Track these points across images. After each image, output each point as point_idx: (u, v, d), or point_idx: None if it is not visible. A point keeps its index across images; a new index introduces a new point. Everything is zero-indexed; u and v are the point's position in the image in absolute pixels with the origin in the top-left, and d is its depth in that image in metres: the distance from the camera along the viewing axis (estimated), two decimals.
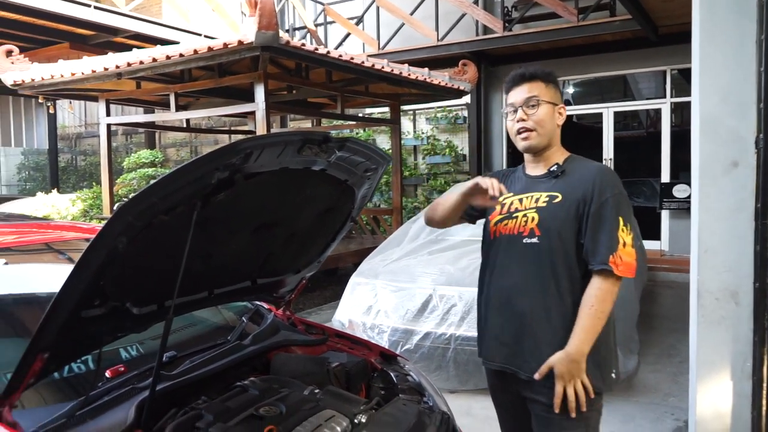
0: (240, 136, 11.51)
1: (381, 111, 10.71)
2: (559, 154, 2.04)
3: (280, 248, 2.45)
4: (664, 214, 8.70)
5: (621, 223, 1.88)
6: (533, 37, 8.53)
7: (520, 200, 2.03)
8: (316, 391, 2.28)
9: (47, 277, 2.71)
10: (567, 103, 9.94)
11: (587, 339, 1.84)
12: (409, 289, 4.15)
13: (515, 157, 9.91)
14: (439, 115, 10.44)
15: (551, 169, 2.00)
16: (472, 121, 9.88)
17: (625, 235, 1.87)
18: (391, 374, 2.53)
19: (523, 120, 1.98)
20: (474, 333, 3.80)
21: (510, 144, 9.88)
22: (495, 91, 9.88)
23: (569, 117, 10.52)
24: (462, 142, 10.37)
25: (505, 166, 9.86)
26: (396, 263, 4.59)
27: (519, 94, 2.01)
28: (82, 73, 6.13)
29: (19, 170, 16.61)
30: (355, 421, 2.10)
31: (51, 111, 11.05)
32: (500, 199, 2.02)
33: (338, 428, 2.00)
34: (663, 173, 8.87)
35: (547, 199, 1.96)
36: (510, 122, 2.03)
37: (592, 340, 1.84)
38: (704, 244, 2.79)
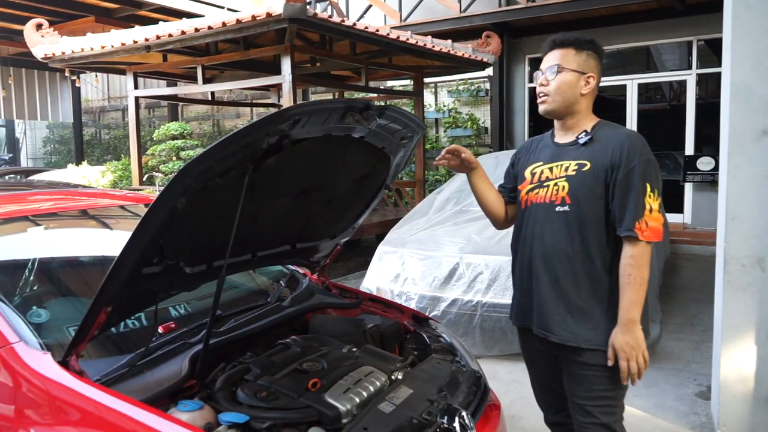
0: (262, 110, 11.61)
1: (402, 84, 10.71)
2: (586, 121, 2.08)
3: (318, 213, 2.55)
4: (688, 187, 8.67)
5: (648, 189, 1.92)
6: (557, 8, 8.43)
7: (550, 169, 2.08)
8: (354, 349, 2.40)
9: (93, 241, 2.85)
10: None
11: (633, 308, 1.90)
12: (436, 258, 4.25)
13: (537, 129, 9.89)
14: (461, 87, 10.42)
15: (579, 137, 2.04)
16: (494, 93, 9.85)
17: (651, 201, 1.92)
18: (424, 335, 2.64)
19: (543, 85, 2.05)
20: (499, 300, 3.91)
21: (532, 116, 9.87)
22: (517, 63, 9.82)
23: None
24: (484, 115, 10.35)
25: (527, 138, 9.85)
26: (423, 232, 4.67)
27: (546, 60, 2.07)
28: (112, 46, 6.23)
29: (45, 143, 16.88)
30: (392, 377, 2.21)
31: (77, 85, 11.17)
32: (530, 168, 2.12)
33: (377, 383, 2.11)
34: (687, 146, 8.80)
35: (576, 167, 2.01)
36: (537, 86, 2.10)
37: (640, 306, 1.91)
38: (732, 211, 2.84)
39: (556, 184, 2.04)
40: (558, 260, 2.03)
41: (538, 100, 2.09)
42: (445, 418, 1.96)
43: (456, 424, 1.95)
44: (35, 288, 2.33)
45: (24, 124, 17.01)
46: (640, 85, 9.21)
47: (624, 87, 9.23)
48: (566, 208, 2.01)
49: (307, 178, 2.26)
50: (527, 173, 2.16)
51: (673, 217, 8.39)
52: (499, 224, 2.37)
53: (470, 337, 3.98)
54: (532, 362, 2.29)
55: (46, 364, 1.82)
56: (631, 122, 9.16)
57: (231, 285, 2.81)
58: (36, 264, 2.44)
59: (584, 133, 2.05)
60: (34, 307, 2.15)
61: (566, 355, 2.05)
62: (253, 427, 1.82)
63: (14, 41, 10.67)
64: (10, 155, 15.93)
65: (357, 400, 1.98)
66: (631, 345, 1.89)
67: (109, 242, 2.81)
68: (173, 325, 2.23)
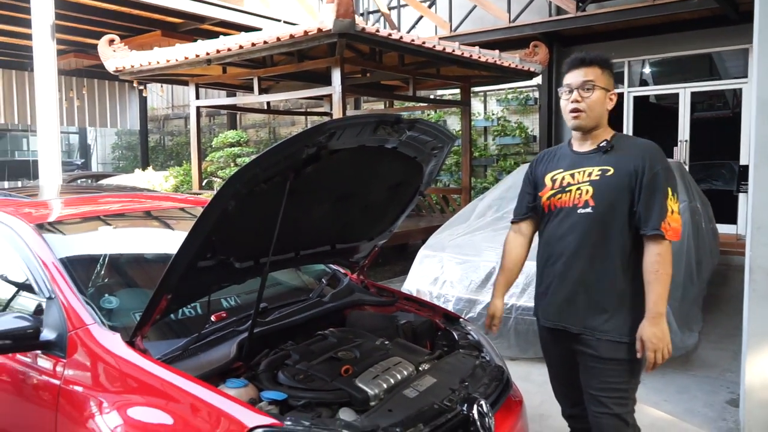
0: (316, 118, 12.01)
1: (452, 93, 10.88)
2: (605, 133, 2.25)
3: (356, 217, 2.79)
4: (742, 197, 8.48)
5: (670, 193, 2.10)
6: (607, 17, 8.45)
7: (572, 175, 2.25)
8: (386, 342, 2.62)
9: (156, 239, 3.18)
10: (643, 83, 9.78)
11: (661, 301, 2.07)
12: (474, 262, 4.42)
13: None
14: (509, 96, 10.51)
15: (600, 145, 2.21)
16: (543, 102, 9.90)
17: (672, 204, 2.09)
18: (453, 333, 2.83)
19: (577, 101, 2.20)
20: (533, 304, 4.05)
21: None
22: None
23: (645, 97, 10.33)
24: (532, 123, 10.41)
25: None
26: (462, 238, 4.85)
27: (576, 76, 2.22)
28: (176, 60, 6.69)
29: (113, 149, 17.86)
30: (420, 368, 2.42)
31: (144, 94, 11.86)
32: (550, 175, 2.30)
33: (405, 372, 2.33)
34: (742, 155, 8.62)
35: (600, 172, 2.18)
36: (564, 101, 2.26)
37: (666, 300, 2.08)
38: (757, 221, 2.91)
39: (578, 189, 2.20)
40: (580, 259, 2.20)
41: (572, 115, 2.23)
42: (465, 405, 2.15)
43: (474, 412, 2.14)
44: (106, 279, 2.65)
45: (95, 132, 18.05)
46: (693, 93, 9.08)
47: (677, 95, 9.13)
48: (589, 210, 2.18)
49: (343, 185, 2.49)
50: (547, 180, 2.33)
51: (725, 228, 8.23)
52: (528, 247, 2.57)
53: (505, 340, 4.13)
54: (552, 358, 2.45)
55: (116, 343, 2.12)
56: (684, 131, 9.05)
57: (277, 281, 3.07)
58: (107, 258, 2.77)
59: (605, 142, 2.22)
60: (106, 295, 2.46)
61: (584, 348, 2.21)
62: (290, 404, 2.07)
63: (89, 54, 11.44)
64: (83, 160, 16.94)
65: (384, 385, 2.21)
66: (658, 337, 2.05)
67: (170, 240, 3.12)
68: (224, 315, 2.50)
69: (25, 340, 2.16)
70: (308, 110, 11.65)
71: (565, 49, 9.75)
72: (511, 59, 7.67)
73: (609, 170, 2.17)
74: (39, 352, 2.23)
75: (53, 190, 4.14)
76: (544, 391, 3.69)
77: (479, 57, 7.15)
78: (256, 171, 1.97)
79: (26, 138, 18.89)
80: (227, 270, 2.35)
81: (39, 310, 2.35)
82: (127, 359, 2.07)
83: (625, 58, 9.37)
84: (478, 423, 2.12)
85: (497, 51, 7.61)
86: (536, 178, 2.40)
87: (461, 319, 3.04)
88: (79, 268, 2.53)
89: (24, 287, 2.54)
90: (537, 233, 2.47)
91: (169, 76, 8.01)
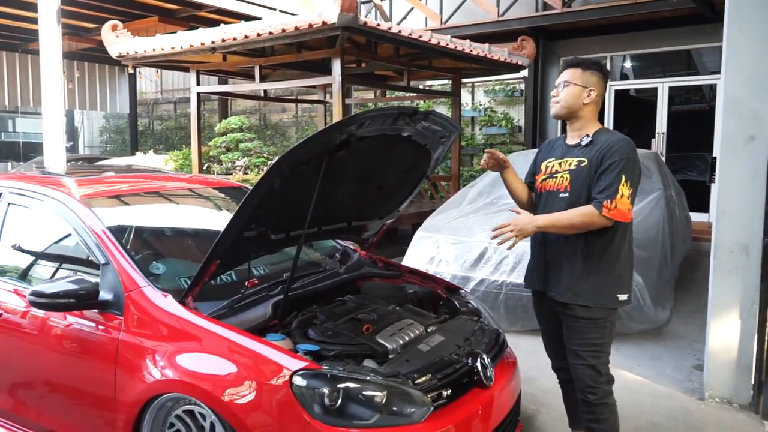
0: (307, 105, 12.27)
1: (441, 83, 11.22)
2: (591, 126, 2.63)
3: (370, 198, 3.14)
4: (714, 187, 8.95)
5: (623, 179, 2.43)
6: (592, 14, 8.83)
7: (559, 164, 2.66)
8: (397, 308, 2.98)
9: (192, 215, 3.50)
10: (624, 77, 10.20)
11: (547, 222, 2.50)
12: (468, 242, 4.79)
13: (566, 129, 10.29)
14: (497, 88, 10.88)
15: (582, 140, 2.60)
16: (528, 94, 10.28)
17: (624, 189, 2.43)
18: (455, 301, 3.21)
19: (554, 96, 2.67)
20: (522, 281, 4.44)
21: None
22: (552, 65, 10.23)
23: (626, 91, 10.65)
24: (518, 114, 10.80)
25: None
26: (456, 221, 5.22)
27: (561, 76, 2.69)
28: (180, 47, 6.92)
29: (101, 133, 17.90)
30: (428, 329, 2.79)
31: (140, 79, 11.99)
32: (545, 162, 2.71)
33: (416, 331, 2.71)
34: (715, 148, 9.09)
35: (576, 163, 2.58)
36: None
37: (548, 223, 2.50)
38: (722, 205, 3.32)
39: (561, 176, 2.60)
40: (557, 235, 2.58)
41: (551, 105, 2.71)
42: (469, 359, 2.53)
43: (477, 364, 2.51)
44: (149, 248, 2.98)
45: (82, 114, 18.07)
46: (671, 88, 9.53)
47: (655, 89, 9.57)
48: (566, 194, 2.58)
49: (364, 168, 2.84)
50: (543, 166, 2.73)
51: (698, 216, 8.70)
52: (524, 208, 2.93)
53: (495, 313, 4.51)
54: (541, 318, 2.84)
55: (169, 303, 2.45)
56: (661, 124, 9.50)
57: (292, 256, 3.38)
58: (149, 230, 3.09)
59: (586, 137, 2.61)
60: (153, 262, 2.78)
61: (564, 310, 2.60)
62: (322, 355, 2.42)
63: (81, 37, 11.54)
64: (71, 143, 16.95)
65: (400, 341, 2.58)
66: (520, 224, 2.47)
67: (202, 216, 3.45)
68: (256, 281, 2.83)
69: (86, 299, 2.49)
70: (302, 98, 11.91)
71: (550, 43, 10.14)
72: (500, 53, 8.02)
73: (584, 161, 2.56)
74: (97, 311, 2.55)
75: (84, 171, 4.42)
76: (531, 358, 4.10)
77: (471, 50, 7.49)
78: (298, 154, 2.31)
79: (12, 119, 18.83)
80: (264, 241, 2.69)
81: (94, 275, 2.66)
82: (181, 316, 2.41)
83: (608, 53, 9.79)
84: (481, 373, 2.50)
85: (487, 44, 7.96)
86: (537, 164, 2.80)
87: (461, 290, 3.42)
88: (133, 238, 2.85)
89: (77, 254, 2.85)
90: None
91: (171, 63, 8.22)
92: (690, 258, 7.13)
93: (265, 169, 8.42)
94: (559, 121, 10.29)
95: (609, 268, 2.54)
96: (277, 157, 2.25)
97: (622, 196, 2.42)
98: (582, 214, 2.45)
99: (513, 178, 2.86)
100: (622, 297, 2.56)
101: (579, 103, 2.60)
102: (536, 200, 2.77)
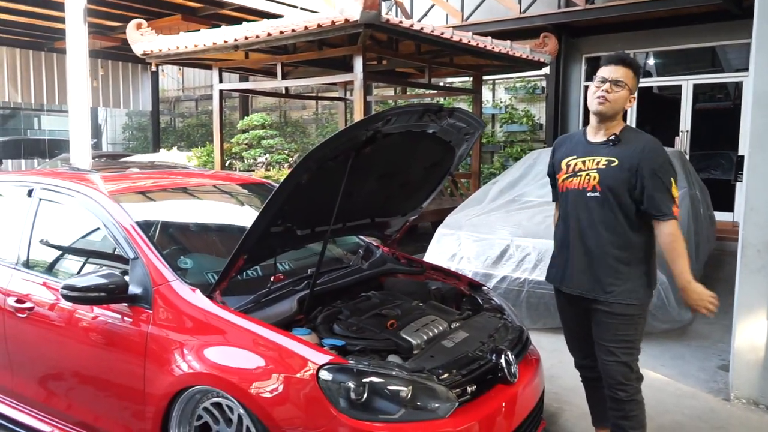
0: (326, 102, 12.33)
1: (461, 80, 11.18)
2: (617, 126, 2.61)
3: (394, 194, 3.15)
4: (739, 187, 8.83)
5: (673, 182, 2.48)
6: (616, 10, 8.74)
7: (583, 162, 2.62)
8: (421, 304, 2.99)
9: (217, 211, 3.54)
10: (647, 74, 10.08)
11: (685, 272, 2.47)
12: (489, 240, 4.79)
13: None
14: (517, 85, 10.82)
15: (610, 138, 2.57)
16: (550, 91, 10.21)
17: (674, 191, 2.49)
18: (477, 298, 3.21)
19: (607, 92, 2.53)
20: (545, 278, 4.42)
21: (585, 114, 10.19)
22: (574, 62, 10.15)
23: (649, 88, 10.53)
24: (539, 112, 10.73)
25: None
26: (478, 218, 5.22)
27: (613, 72, 2.54)
28: (204, 45, 6.99)
29: (124, 130, 18.14)
30: (451, 325, 2.79)
31: (162, 77, 12.12)
32: (565, 160, 2.68)
33: (440, 327, 2.72)
34: (741, 146, 8.96)
35: (606, 162, 2.55)
36: (595, 88, 2.58)
37: (688, 267, 2.47)
38: (750, 203, 3.28)
39: (587, 174, 2.58)
40: (592, 235, 2.57)
41: (597, 101, 2.55)
42: (493, 355, 2.54)
43: (502, 361, 2.52)
44: (177, 243, 3.02)
45: (105, 112, 18.32)
46: (696, 85, 9.40)
47: (679, 87, 9.45)
48: (597, 194, 2.55)
49: (389, 164, 2.85)
50: (563, 165, 2.70)
51: (723, 216, 8.59)
52: None
53: (517, 311, 4.47)
54: (568, 318, 2.83)
55: (198, 297, 2.49)
56: (685, 122, 9.38)
57: (315, 252, 3.39)
58: (176, 226, 3.14)
59: (614, 136, 2.57)
60: (181, 257, 2.82)
61: (598, 307, 2.59)
62: (347, 349, 2.44)
63: (106, 36, 11.70)
64: (95, 140, 17.19)
65: (424, 337, 2.59)
66: (696, 299, 2.46)
67: (229, 211, 3.49)
68: (282, 276, 2.86)
69: (116, 293, 2.53)
70: (319, 95, 11.96)
71: (573, 40, 10.05)
72: (522, 50, 7.98)
73: (614, 161, 2.53)
74: (126, 305, 2.59)
75: (109, 167, 4.49)
76: (553, 356, 4.09)
77: (492, 47, 7.46)
78: (326, 150, 2.33)
79: (38, 117, 19.15)
80: (290, 236, 2.72)
81: (122, 269, 2.71)
82: (209, 310, 2.44)
83: (631, 50, 9.66)
84: (505, 370, 2.50)
85: (509, 41, 7.92)
86: (555, 163, 2.77)
87: (484, 287, 3.42)
88: (160, 234, 2.89)
89: (106, 249, 2.91)
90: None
91: (194, 60, 8.31)
92: (714, 257, 7.05)
93: (288, 166, 8.54)
94: (582, 118, 10.23)
95: (645, 263, 2.56)
96: (304, 154, 2.26)
97: (675, 198, 2.48)
98: (676, 237, 2.47)
99: None
100: (653, 292, 2.59)
101: (623, 106, 2.57)
102: (560, 199, 2.75)
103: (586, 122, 10.50)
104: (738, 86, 9.19)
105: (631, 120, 9.69)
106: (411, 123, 2.60)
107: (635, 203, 2.50)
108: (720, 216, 8.10)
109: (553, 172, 2.81)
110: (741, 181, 8.48)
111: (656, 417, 3.27)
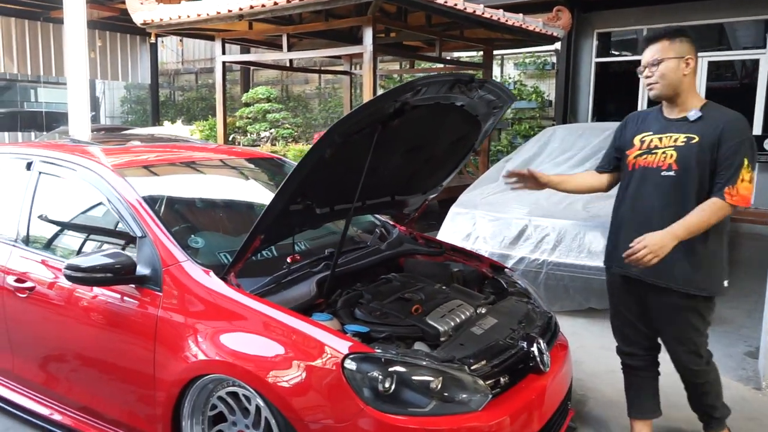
0: (330, 76, 12.05)
1: (469, 55, 10.91)
2: (694, 100, 2.42)
3: (417, 170, 2.97)
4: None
5: (746, 162, 2.27)
6: None
7: (660, 139, 2.45)
8: (444, 287, 2.83)
9: (229, 187, 3.36)
10: None
11: (683, 229, 2.25)
12: (506, 219, 4.62)
13: (600, 104, 9.98)
14: (527, 60, 10.56)
15: (689, 115, 2.39)
16: (560, 67, 9.95)
17: (745, 173, 2.27)
18: (501, 281, 3.05)
19: (648, 77, 2.41)
20: (564, 260, 4.27)
21: (596, 92, 9.95)
22: (586, 37, 9.87)
23: None
24: (548, 88, 10.49)
25: (590, 114, 9.97)
26: (493, 196, 5.04)
27: (646, 55, 2.43)
28: (207, 15, 6.73)
29: (122, 103, 17.82)
30: (478, 311, 2.64)
31: (162, 48, 11.83)
32: (639, 136, 2.50)
33: (467, 312, 2.56)
34: (755, 126, 8.76)
35: (685, 139, 2.37)
36: (642, 79, 2.46)
37: (687, 232, 2.26)
38: None
39: (664, 152, 2.41)
40: (663, 218, 2.36)
41: (647, 89, 2.45)
42: (525, 343, 2.38)
43: (534, 349, 2.36)
44: (187, 221, 2.84)
45: (103, 85, 17.97)
46: (710, 63, 9.16)
47: None
48: (672, 173, 2.38)
49: (414, 139, 2.67)
50: (636, 141, 2.53)
51: None
52: (603, 191, 2.78)
53: None
54: (620, 302, 2.67)
55: (211, 279, 2.32)
56: None
57: (332, 231, 3.23)
58: (185, 202, 2.96)
59: (694, 111, 2.38)
60: (192, 236, 2.65)
61: (665, 297, 2.44)
62: (372, 336, 2.28)
63: (104, 6, 11.37)
64: (93, 113, 16.90)
65: (452, 323, 2.43)
66: (658, 245, 2.21)
67: (239, 187, 3.31)
68: (298, 258, 2.69)
69: (122, 274, 2.36)
70: (327, 68, 11.68)
71: (585, 14, 9.76)
72: (535, 23, 7.73)
73: (694, 138, 2.35)
74: (134, 286, 2.42)
75: (111, 140, 4.30)
76: (575, 340, 3.92)
77: (506, 20, 7.21)
78: (351, 123, 2.15)
79: (35, 89, 18.80)
80: (309, 215, 2.54)
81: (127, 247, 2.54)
82: (224, 294, 2.28)
83: (644, 25, 9.40)
84: (538, 359, 2.35)
85: (521, 14, 7.66)
86: (624, 138, 2.60)
87: (506, 269, 3.25)
88: (169, 212, 2.71)
89: (111, 226, 2.73)
90: (617, 188, 2.66)
91: (196, 31, 8.04)
92: (729, 240, 6.90)
93: (293, 141, 8.32)
94: (593, 96, 10.00)
95: (719, 254, 2.43)
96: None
97: (743, 180, 2.26)
98: (714, 212, 2.27)
99: (568, 185, 2.75)
100: (726, 283, 2.47)
101: (679, 76, 2.38)
102: (626, 177, 2.57)
103: (596, 100, 10.34)
104: (755, 64, 8.95)
105: (642, 99, 9.46)
106: (440, 94, 2.42)
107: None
108: None
109: (620, 146, 2.63)
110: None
111: (686, 407, 3.13)
